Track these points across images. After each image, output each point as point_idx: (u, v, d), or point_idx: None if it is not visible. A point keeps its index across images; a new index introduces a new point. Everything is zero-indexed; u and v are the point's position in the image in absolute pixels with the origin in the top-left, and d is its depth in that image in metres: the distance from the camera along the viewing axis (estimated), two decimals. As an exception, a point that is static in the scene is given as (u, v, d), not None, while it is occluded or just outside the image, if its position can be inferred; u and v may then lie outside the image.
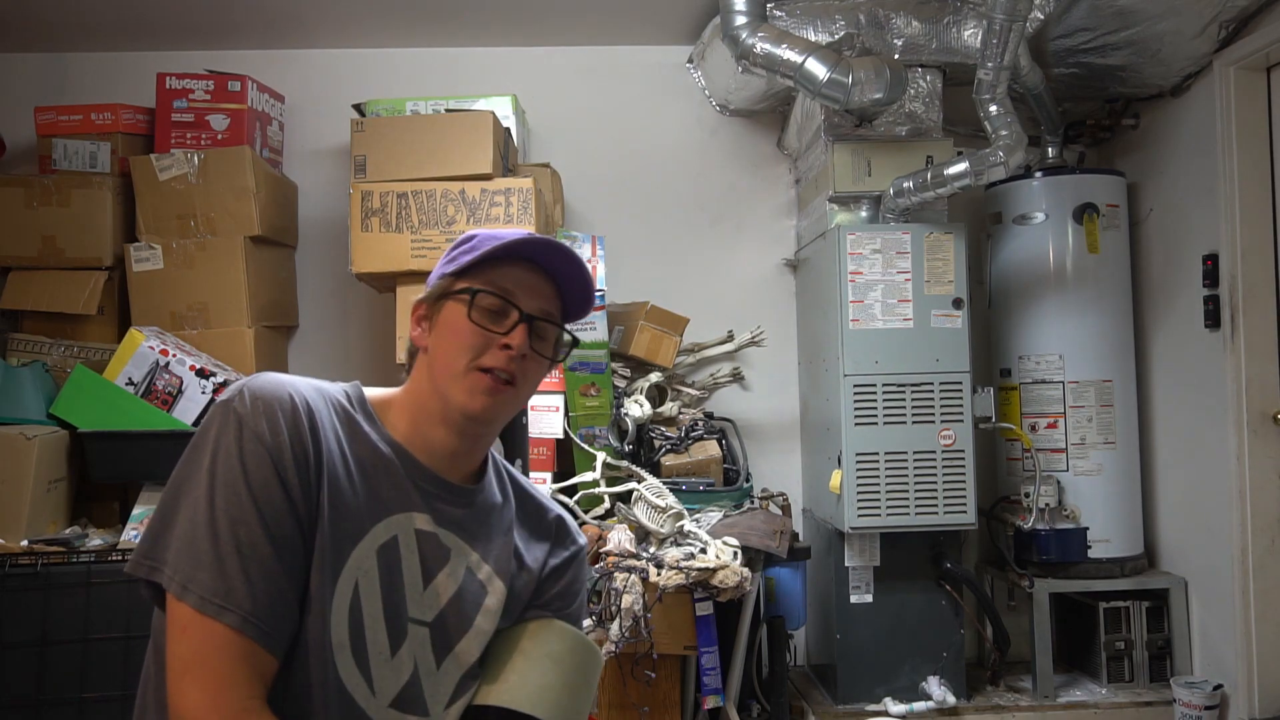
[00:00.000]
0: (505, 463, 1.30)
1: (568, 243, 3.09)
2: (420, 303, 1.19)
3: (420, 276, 2.94)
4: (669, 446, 3.05)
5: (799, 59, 2.82)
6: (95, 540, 2.64)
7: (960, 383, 2.97)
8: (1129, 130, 3.39)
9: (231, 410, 1.02)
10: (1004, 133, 2.76)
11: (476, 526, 1.18)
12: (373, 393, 1.18)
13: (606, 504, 2.88)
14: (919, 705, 2.95)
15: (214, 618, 0.96)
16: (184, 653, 0.97)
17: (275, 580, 1.00)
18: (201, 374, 2.79)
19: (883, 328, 2.99)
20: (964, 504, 2.96)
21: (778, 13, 3.05)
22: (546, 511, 1.30)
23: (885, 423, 2.97)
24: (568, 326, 1.20)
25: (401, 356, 2.91)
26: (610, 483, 2.88)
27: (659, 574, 2.51)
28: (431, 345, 1.15)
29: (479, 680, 1.19)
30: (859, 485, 2.95)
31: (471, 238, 1.17)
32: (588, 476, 2.86)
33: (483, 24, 3.40)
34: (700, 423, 3.17)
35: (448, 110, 3.18)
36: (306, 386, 1.10)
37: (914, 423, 2.97)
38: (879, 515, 2.95)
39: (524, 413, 2.86)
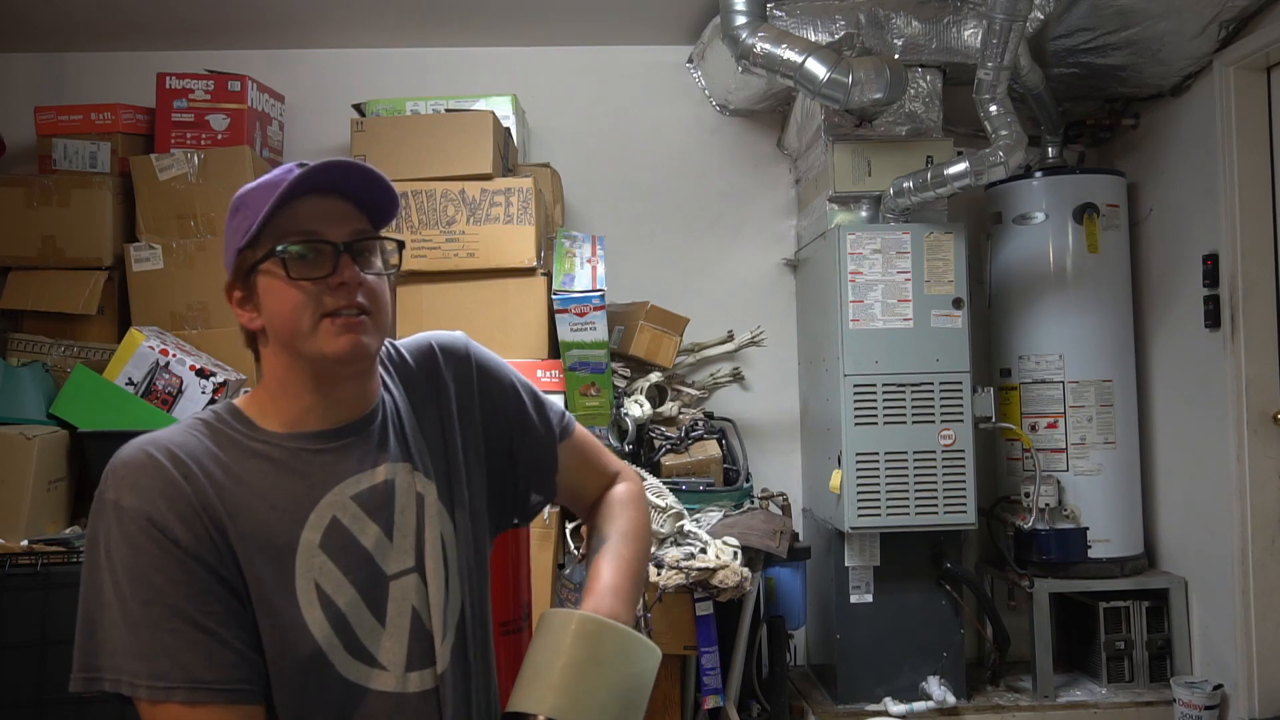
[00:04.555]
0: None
1: (567, 242, 3.09)
2: (232, 287, 1.11)
3: (420, 277, 2.94)
4: (669, 446, 3.05)
5: (799, 59, 2.82)
6: (95, 540, 2.64)
7: (960, 383, 2.97)
8: (1129, 130, 3.39)
9: (104, 499, 1.00)
10: (1004, 133, 2.76)
11: (393, 441, 1.13)
12: (244, 400, 1.13)
13: (606, 504, 2.87)
14: (919, 705, 2.95)
15: (164, 701, 0.95)
16: None
17: (209, 636, 0.97)
18: (201, 374, 2.79)
19: (883, 328, 2.99)
20: (964, 504, 2.96)
21: (778, 13, 3.05)
22: (420, 356, 1.23)
23: (885, 423, 2.97)
24: (385, 233, 1.12)
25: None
26: (610, 483, 2.88)
27: (659, 574, 2.51)
28: (267, 320, 1.08)
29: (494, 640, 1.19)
30: (859, 485, 2.95)
31: (239, 204, 1.10)
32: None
33: (483, 24, 3.40)
34: (700, 423, 3.17)
35: (448, 110, 3.18)
36: (171, 434, 1.06)
37: (914, 423, 2.97)
38: (879, 515, 2.95)
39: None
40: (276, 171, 1.07)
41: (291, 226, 1.05)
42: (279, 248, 1.05)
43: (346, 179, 1.07)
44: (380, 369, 1.18)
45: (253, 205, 1.07)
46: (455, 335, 1.26)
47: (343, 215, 1.08)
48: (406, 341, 1.24)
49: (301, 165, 1.06)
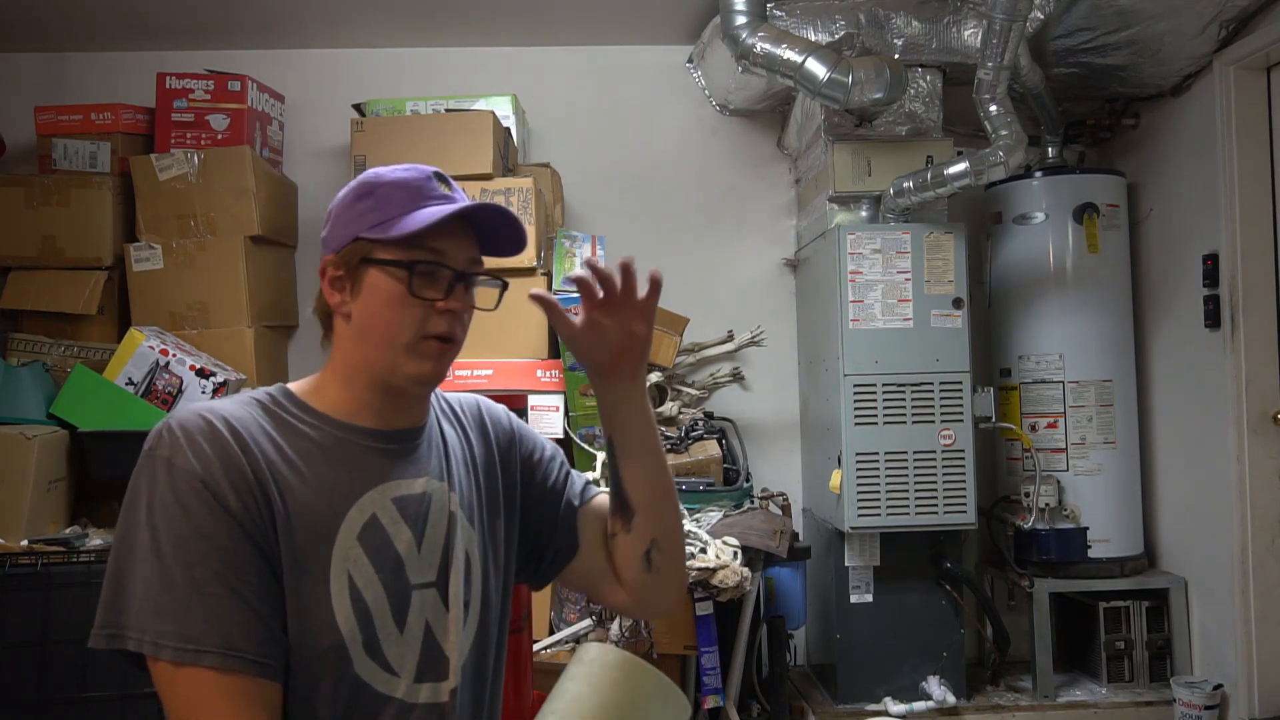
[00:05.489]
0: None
1: (567, 242, 3.09)
2: (332, 264, 1.11)
3: (420, 276, 2.93)
4: (669, 446, 3.05)
5: (799, 59, 2.82)
6: (95, 540, 2.64)
7: (960, 383, 2.97)
8: (1129, 130, 3.39)
9: (156, 456, 1.00)
10: (1004, 133, 2.76)
11: (435, 460, 1.16)
12: (300, 384, 1.14)
13: (606, 504, 2.88)
14: (919, 705, 2.95)
15: (193, 665, 0.94)
16: (179, 708, 0.95)
17: (247, 606, 0.97)
18: (201, 374, 2.79)
19: (883, 328, 2.99)
20: (964, 504, 2.96)
21: (778, 13, 3.05)
22: (469, 409, 1.28)
23: (885, 423, 2.96)
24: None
25: None
26: (610, 483, 2.88)
27: (659, 574, 2.51)
28: (359, 313, 1.09)
29: (495, 624, 1.18)
30: (859, 485, 2.95)
31: (371, 191, 1.11)
32: (588, 476, 2.85)
33: (483, 24, 3.40)
34: (700, 422, 3.17)
35: (448, 110, 3.18)
36: (226, 404, 1.07)
37: (914, 423, 2.97)
38: (879, 515, 2.95)
39: (524, 412, 2.86)
40: (413, 173, 1.12)
41: (421, 241, 1.08)
42: (410, 260, 1.07)
43: (486, 218, 1.12)
44: (434, 406, 1.23)
45: (389, 201, 1.09)
46: (498, 405, 1.32)
47: (465, 244, 1.12)
48: (454, 395, 1.29)
49: (439, 175, 1.12)
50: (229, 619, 0.96)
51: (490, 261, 1.16)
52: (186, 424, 1.01)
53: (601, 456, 2.87)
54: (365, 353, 1.10)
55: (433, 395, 1.25)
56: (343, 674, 1.03)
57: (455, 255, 1.10)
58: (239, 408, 1.07)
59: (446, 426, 1.22)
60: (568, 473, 1.31)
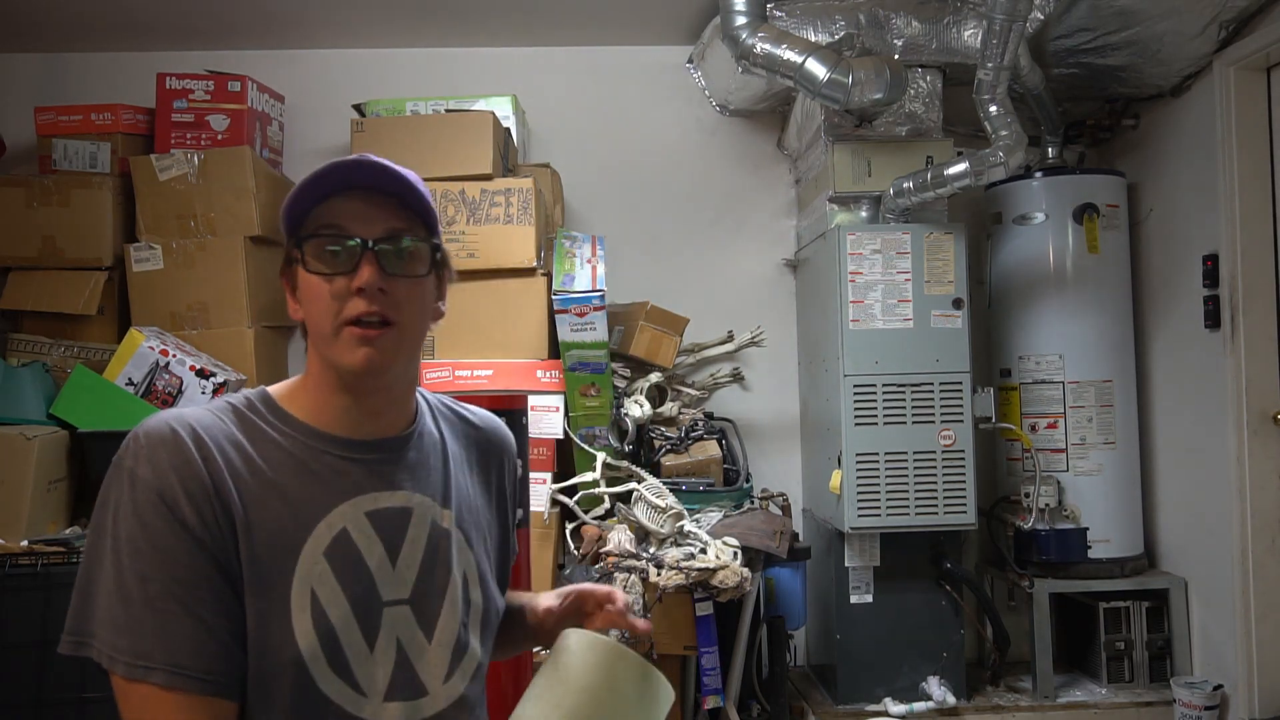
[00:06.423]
0: (434, 395, 1.24)
1: (567, 242, 3.08)
2: (282, 276, 1.10)
3: (420, 276, 2.93)
4: (669, 446, 3.05)
5: (799, 59, 2.82)
6: (95, 540, 2.63)
7: (960, 383, 2.97)
8: (1129, 130, 3.39)
9: (122, 466, 1.00)
10: (1004, 133, 2.76)
11: (425, 473, 1.12)
12: (280, 387, 1.11)
13: (606, 504, 2.88)
14: (919, 705, 2.95)
15: (142, 680, 0.94)
16: None
17: (199, 622, 0.96)
18: (201, 374, 2.79)
19: (883, 328, 2.99)
20: (964, 504, 2.96)
21: (778, 13, 3.05)
22: (488, 426, 1.26)
23: (885, 423, 2.97)
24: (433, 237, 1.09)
25: None
26: (610, 483, 2.88)
27: (659, 574, 2.51)
28: (305, 315, 1.07)
29: (486, 648, 1.15)
30: (859, 485, 2.95)
31: (295, 191, 1.07)
32: (588, 477, 2.87)
33: (483, 24, 3.40)
34: (700, 423, 3.17)
35: (448, 110, 3.18)
36: (197, 412, 1.04)
37: (914, 423, 2.97)
38: (879, 515, 2.95)
39: (524, 412, 2.86)
40: (327, 165, 1.05)
41: (323, 220, 1.04)
42: (302, 238, 1.03)
43: (396, 184, 1.05)
44: (435, 414, 1.19)
45: (302, 198, 1.05)
46: (509, 433, 1.31)
47: (381, 216, 1.04)
48: (474, 408, 1.26)
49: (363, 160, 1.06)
50: (178, 636, 0.95)
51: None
52: (151, 433, 1.00)
53: (602, 456, 2.87)
54: (317, 353, 1.07)
55: (446, 404, 1.22)
56: (304, 691, 1.00)
57: (363, 227, 1.03)
58: (210, 415, 1.04)
59: (449, 438, 1.18)
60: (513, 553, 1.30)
